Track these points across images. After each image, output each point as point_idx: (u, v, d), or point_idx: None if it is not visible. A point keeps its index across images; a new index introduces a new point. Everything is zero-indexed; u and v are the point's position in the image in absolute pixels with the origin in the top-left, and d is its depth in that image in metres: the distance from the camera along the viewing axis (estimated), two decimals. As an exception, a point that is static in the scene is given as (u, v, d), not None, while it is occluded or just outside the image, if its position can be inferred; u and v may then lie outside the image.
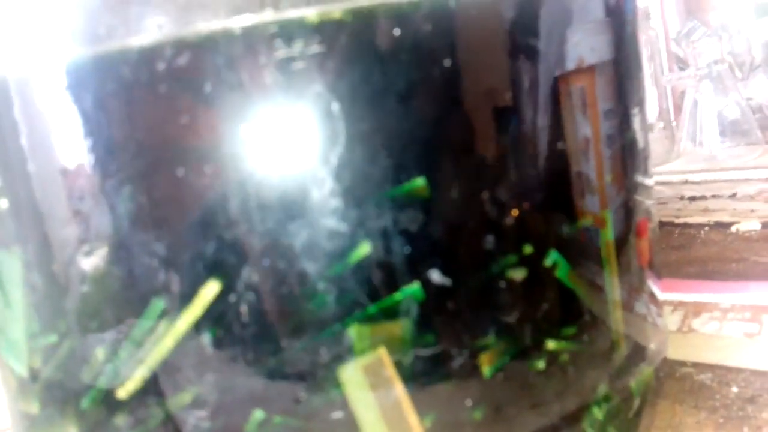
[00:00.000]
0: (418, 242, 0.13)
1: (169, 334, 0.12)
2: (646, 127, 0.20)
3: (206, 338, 0.12)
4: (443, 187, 0.13)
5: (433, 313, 0.13)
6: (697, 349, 0.25)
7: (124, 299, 0.13)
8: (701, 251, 0.44)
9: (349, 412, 0.13)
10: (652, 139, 0.86)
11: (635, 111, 0.19)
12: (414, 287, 0.13)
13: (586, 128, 0.16)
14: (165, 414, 0.13)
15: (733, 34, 0.97)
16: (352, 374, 0.13)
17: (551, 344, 0.15)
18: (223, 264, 0.12)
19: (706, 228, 0.49)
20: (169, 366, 0.13)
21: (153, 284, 0.12)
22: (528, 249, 0.14)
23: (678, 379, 0.25)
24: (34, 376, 0.14)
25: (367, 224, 0.13)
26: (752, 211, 0.51)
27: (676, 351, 0.26)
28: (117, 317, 0.13)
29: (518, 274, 0.14)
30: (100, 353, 0.13)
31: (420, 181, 0.13)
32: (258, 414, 0.13)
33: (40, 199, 0.13)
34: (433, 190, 0.13)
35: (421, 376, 0.13)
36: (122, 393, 0.13)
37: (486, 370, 0.14)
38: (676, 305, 0.28)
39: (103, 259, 0.12)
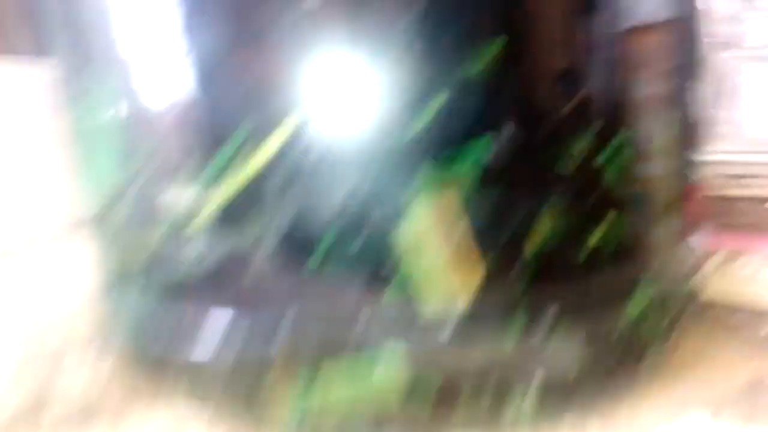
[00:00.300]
0: (494, 96, 0.13)
1: (243, 170, 0.13)
2: (702, 100, 0.20)
3: (280, 174, 0.13)
4: (523, 52, 0.14)
5: (499, 169, 0.14)
6: (733, 291, 0.26)
7: (205, 133, 0.13)
8: (737, 220, 0.44)
9: (415, 243, 0.14)
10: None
11: (693, 80, 0.18)
12: (485, 139, 0.14)
13: (643, 88, 0.16)
14: (233, 248, 0.14)
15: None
16: (420, 211, 0.14)
17: (606, 222, 0.15)
18: (304, 97, 0.13)
19: (743, 201, 0.49)
20: (240, 202, 0.13)
21: (233, 119, 0.13)
22: (594, 129, 0.15)
23: (711, 318, 0.26)
24: (106, 211, 0.15)
25: (447, 73, 0.13)
26: (792, 188, 0.50)
27: (712, 292, 0.26)
28: (196, 150, 0.13)
29: (584, 146, 0.15)
30: (175, 188, 0.14)
31: (499, 42, 0.13)
32: (321, 250, 0.13)
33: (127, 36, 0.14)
34: (513, 51, 0.13)
35: (479, 225, 0.14)
36: (193, 227, 0.14)
37: (539, 237, 0.14)
38: (716, 250, 0.28)
39: (188, 91, 0.13)
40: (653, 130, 0.17)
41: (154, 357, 0.17)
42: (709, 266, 0.27)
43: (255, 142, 0.13)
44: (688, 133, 0.19)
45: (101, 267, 0.17)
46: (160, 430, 0.19)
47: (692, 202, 0.19)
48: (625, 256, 0.16)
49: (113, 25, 0.14)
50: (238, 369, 0.15)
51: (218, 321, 0.15)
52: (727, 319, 0.25)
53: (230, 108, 0.13)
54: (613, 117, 0.16)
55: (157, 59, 0.14)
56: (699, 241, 0.20)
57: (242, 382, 0.16)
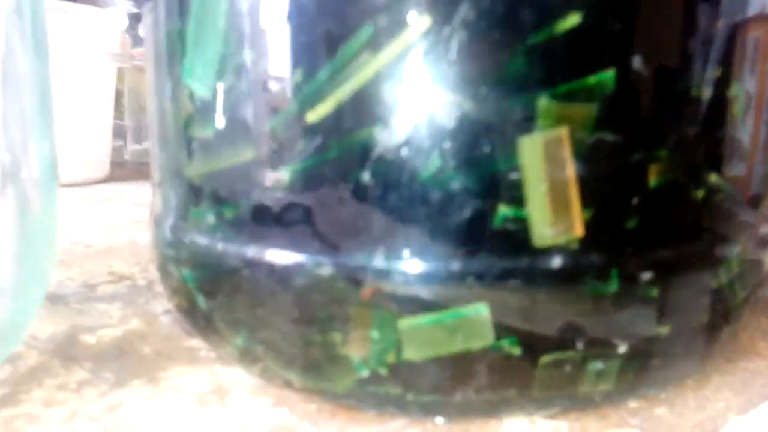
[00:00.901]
0: (631, 23, 0.13)
1: (371, 63, 0.12)
2: None
3: (407, 74, 0.12)
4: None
5: (620, 104, 0.13)
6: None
7: (335, 21, 0.13)
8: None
9: (523, 178, 0.13)
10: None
11: None
12: (609, 73, 0.13)
13: (752, 84, 0.16)
14: (351, 143, 0.13)
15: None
16: (532, 145, 0.13)
17: (713, 177, 0.15)
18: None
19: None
20: (365, 96, 0.13)
21: (365, 9, 0.12)
22: (717, 72, 0.14)
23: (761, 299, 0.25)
24: (218, 96, 0.14)
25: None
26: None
27: None
28: (324, 39, 0.13)
29: (705, 93, 0.14)
30: (298, 73, 0.13)
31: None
32: (436, 161, 0.13)
33: None
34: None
35: (594, 163, 0.13)
36: (313, 116, 0.13)
37: (652, 179, 0.14)
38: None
39: None
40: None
41: (209, 302, 0.17)
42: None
43: (384, 39, 0.13)
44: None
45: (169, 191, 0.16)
46: (201, 390, 0.18)
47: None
48: (718, 227, 0.16)
49: None
50: (314, 318, 0.15)
51: (296, 261, 0.14)
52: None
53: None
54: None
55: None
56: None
57: (317, 331, 0.15)
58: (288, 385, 0.17)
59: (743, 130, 0.16)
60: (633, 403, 0.17)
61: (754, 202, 0.17)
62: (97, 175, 0.63)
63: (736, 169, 0.16)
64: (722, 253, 0.16)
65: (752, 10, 0.15)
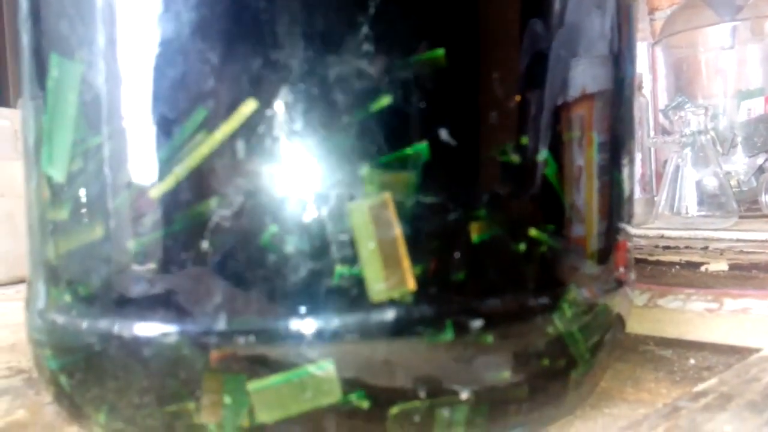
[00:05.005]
0: (436, 102, 0.15)
1: (206, 142, 0.14)
2: (633, 179, 0.22)
3: (239, 150, 0.14)
4: (462, 62, 0.15)
5: (435, 171, 0.15)
6: (661, 324, 0.27)
7: (171, 106, 0.14)
8: (671, 281, 0.46)
9: (354, 240, 0.14)
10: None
11: (626, 158, 0.20)
12: (423, 145, 0.15)
13: (581, 157, 0.18)
14: (191, 215, 0.14)
15: (718, 113, 1.03)
16: (359, 210, 0.15)
17: (533, 231, 0.17)
18: (262, 84, 0.14)
19: (677, 266, 0.52)
20: (201, 172, 0.14)
21: (200, 92, 0.14)
22: (524, 140, 0.16)
23: (640, 352, 0.27)
24: (71, 179, 0.15)
25: (391, 77, 0.14)
26: (721, 254, 0.53)
27: (641, 326, 0.27)
28: (161, 121, 0.14)
29: (514, 158, 0.16)
30: (139, 154, 0.14)
31: (440, 52, 0.15)
32: (273, 227, 0.14)
33: (104, 6, 0.15)
34: (451, 61, 0.15)
35: (418, 223, 0.15)
36: (155, 192, 0.14)
37: (474, 236, 0.16)
38: (645, 289, 0.29)
39: (159, 61, 0.14)
40: (592, 194, 0.19)
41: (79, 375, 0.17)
42: (638, 300, 0.28)
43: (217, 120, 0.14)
44: (621, 202, 0.21)
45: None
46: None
47: (620, 252, 0.21)
48: (545, 277, 0.17)
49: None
50: (166, 387, 0.15)
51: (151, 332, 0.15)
52: (656, 353, 0.26)
53: (198, 83, 0.14)
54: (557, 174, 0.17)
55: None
56: (624, 279, 0.21)
57: (170, 401, 0.16)
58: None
59: (577, 194, 0.18)
60: (493, 452, 0.18)
61: (599, 253, 0.19)
62: (2, 277, 0.63)
63: (572, 224, 0.17)
64: (554, 301, 0.17)
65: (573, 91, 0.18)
